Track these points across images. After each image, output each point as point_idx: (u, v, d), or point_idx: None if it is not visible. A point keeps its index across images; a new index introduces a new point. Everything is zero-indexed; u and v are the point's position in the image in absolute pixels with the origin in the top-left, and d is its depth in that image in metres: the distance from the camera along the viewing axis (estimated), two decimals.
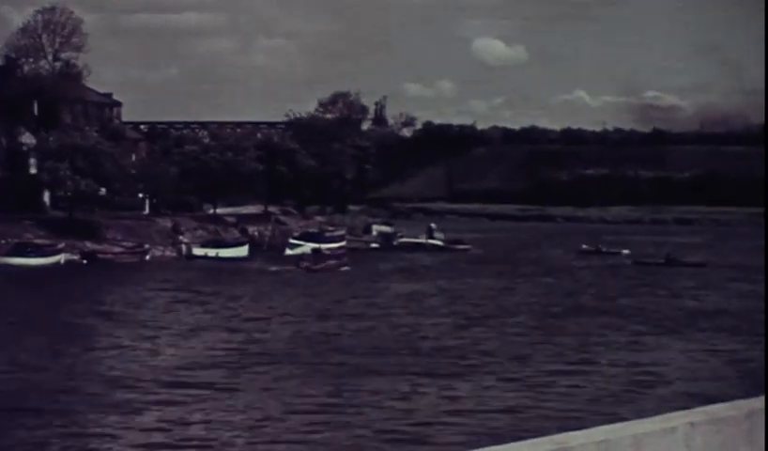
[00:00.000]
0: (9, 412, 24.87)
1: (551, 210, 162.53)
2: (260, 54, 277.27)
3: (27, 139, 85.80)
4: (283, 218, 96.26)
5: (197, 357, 33.60)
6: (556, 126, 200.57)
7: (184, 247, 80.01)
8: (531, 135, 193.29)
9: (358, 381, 29.15)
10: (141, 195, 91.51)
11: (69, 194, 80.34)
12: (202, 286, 57.80)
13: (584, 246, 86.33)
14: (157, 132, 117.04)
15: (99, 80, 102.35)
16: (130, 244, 77.95)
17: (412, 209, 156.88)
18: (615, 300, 52.26)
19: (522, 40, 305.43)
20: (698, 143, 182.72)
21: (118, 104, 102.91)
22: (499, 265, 73.97)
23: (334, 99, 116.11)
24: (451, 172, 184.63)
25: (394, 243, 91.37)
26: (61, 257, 71.54)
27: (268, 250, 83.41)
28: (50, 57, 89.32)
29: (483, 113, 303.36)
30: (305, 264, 68.13)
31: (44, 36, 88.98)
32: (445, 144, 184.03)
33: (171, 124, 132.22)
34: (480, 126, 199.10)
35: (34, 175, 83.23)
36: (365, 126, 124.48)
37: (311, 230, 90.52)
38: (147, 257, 76.03)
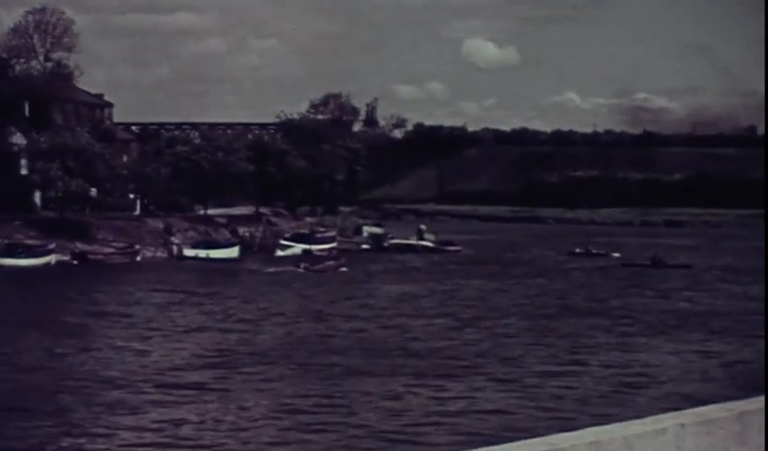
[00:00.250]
0: (3, 413, 24.88)
1: (542, 212, 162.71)
2: (251, 54, 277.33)
3: (18, 140, 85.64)
4: (273, 219, 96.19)
5: (190, 358, 33.65)
6: (547, 128, 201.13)
7: (175, 248, 79.95)
8: (522, 137, 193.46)
9: (350, 382, 29.24)
10: (132, 196, 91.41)
11: (59, 194, 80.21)
12: (194, 287, 57.79)
13: (577, 250, 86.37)
14: (148, 133, 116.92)
15: (90, 81, 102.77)
16: (120, 245, 77.84)
17: (403, 211, 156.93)
18: (605, 301, 52.36)
19: (513, 42, 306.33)
20: (688, 145, 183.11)
21: (110, 105, 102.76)
22: (489, 266, 74.09)
23: (326, 100, 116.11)
24: (442, 173, 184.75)
25: (385, 245, 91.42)
26: (52, 258, 71.45)
27: (258, 251, 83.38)
28: (41, 58, 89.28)
29: (475, 114, 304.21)
30: (304, 265, 68.17)
31: (35, 36, 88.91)
32: (436, 145, 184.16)
33: (162, 125, 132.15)
34: (471, 127, 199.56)
35: (25, 175, 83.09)
36: (356, 127, 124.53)
37: (302, 231, 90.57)
38: (138, 258, 75.95)
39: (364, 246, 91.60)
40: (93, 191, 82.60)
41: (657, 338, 39.38)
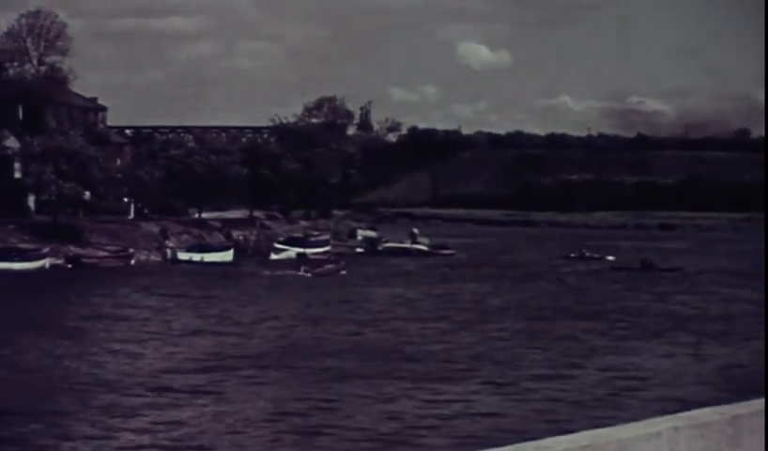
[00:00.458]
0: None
1: (535, 215, 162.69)
2: (245, 58, 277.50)
3: (12, 143, 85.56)
4: (267, 222, 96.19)
5: (185, 361, 33.68)
6: (540, 131, 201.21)
7: (169, 251, 79.89)
8: (516, 140, 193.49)
9: (345, 385, 29.29)
10: (126, 200, 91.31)
11: (53, 198, 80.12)
12: (189, 290, 57.79)
13: (572, 254, 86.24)
14: (142, 137, 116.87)
15: (84, 84, 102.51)
16: (114, 249, 77.75)
17: (397, 215, 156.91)
18: (598, 304, 52.43)
19: (506, 45, 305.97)
20: (681, 148, 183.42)
21: (103, 109, 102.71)
22: (483, 269, 74.20)
23: (320, 103, 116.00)
24: (436, 177, 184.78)
25: (379, 248, 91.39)
26: (46, 262, 71.35)
27: (252, 254, 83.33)
28: (35, 61, 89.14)
29: (468, 118, 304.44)
30: (305, 268, 68.12)
31: (29, 40, 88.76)
32: (430, 149, 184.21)
33: (156, 128, 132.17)
34: (465, 131, 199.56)
35: (18, 179, 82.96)
36: (351, 131, 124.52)
37: (296, 235, 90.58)
38: (132, 262, 75.87)
39: (358, 250, 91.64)
40: (87, 194, 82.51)
41: (651, 341, 39.46)
